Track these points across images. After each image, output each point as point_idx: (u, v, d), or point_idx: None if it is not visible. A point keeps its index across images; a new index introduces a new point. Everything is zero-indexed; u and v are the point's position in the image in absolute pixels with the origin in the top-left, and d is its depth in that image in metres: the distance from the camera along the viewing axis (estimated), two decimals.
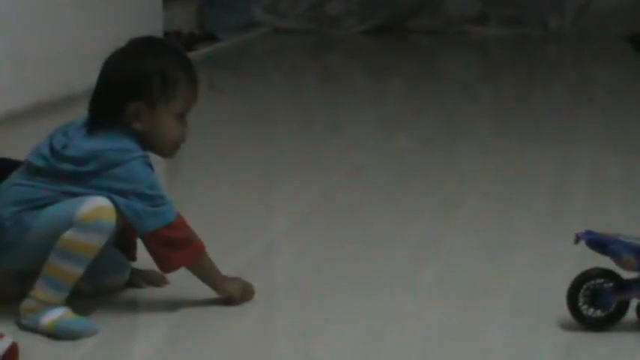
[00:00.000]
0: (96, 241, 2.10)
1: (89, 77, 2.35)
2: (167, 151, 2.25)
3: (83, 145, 2.16)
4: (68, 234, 2.09)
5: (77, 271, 2.12)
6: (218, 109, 4.60)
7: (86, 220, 2.09)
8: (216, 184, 3.29)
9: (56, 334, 2.09)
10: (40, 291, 2.11)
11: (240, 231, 2.79)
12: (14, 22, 4.14)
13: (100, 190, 2.12)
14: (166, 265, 2.18)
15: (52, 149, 2.19)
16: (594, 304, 2.12)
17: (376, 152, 3.81)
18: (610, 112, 4.47)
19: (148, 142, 2.20)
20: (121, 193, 2.12)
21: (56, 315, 2.11)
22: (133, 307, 2.29)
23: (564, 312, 2.14)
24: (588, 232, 2.15)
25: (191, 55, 5.65)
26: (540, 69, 5.64)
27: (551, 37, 6.45)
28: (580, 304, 2.11)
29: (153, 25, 5.20)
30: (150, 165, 2.19)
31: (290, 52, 6.35)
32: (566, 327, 2.13)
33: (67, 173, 2.15)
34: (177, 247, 2.16)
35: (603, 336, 2.11)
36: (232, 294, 2.24)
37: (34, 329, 2.11)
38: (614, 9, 6.36)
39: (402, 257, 2.64)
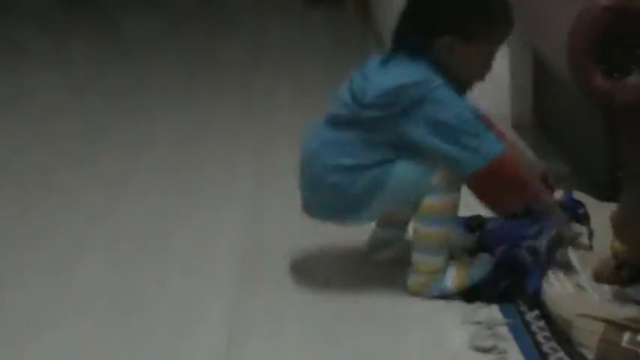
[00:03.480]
0: (452, 201, 2.08)
1: None
2: (466, 85, 2.14)
3: (380, 85, 2.06)
4: (427, 201, 2.06)
5: (447, 230, 2.10)
6: None
7: (438, 185, 2.05)
8: None
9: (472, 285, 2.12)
10: (423, 264, 2.10)
11: None
12: None
13: (413, 131, 2.04)
14: (495, 207, 2.11)
15: (352, 96, 2.09)
16: None
17: (62, 114, 3.82)
18: (283, 60, 4.71)
19: (448, 74, 2.07)
20: (432, 127, 2.03)
21: (453, 272, 2.12)
22: None
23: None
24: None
25: None
26: (220, 22, 5.80)
27: None
28: None
29: None
30: (454, 91, 2.06)
31: None
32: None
33: (373, 119, 2.06)
34: (505, 188, 2.07)
35: None
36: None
37: (444, 296, 2.11)
38: None
39: (81, 213, 2.73)
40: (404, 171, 2.10)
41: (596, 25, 2.42)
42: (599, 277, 2.06)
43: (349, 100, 2.13)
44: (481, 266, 2.16)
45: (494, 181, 2.06)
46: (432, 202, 2.09)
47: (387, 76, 2.09)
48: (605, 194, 2.52)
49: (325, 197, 2.17)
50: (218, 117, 3.74)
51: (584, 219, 2.25)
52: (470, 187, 2.10)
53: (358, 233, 2.40)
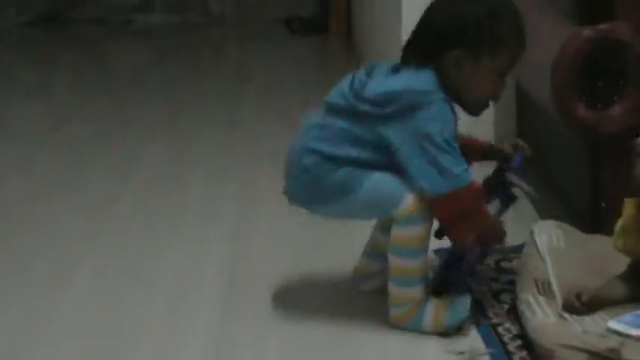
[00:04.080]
0: (422, 232, 2.07)
1: None
2: (473, 106, 2.13)
3: (381, 85, 2.06)
4: (397, 232, 2.06)
5: (420, 261, 2.09)
6: None
7: (407, 215, 2.05)
8: None
9: (449, 329, 2.09)
10: (399, 296, 2.09)
11: None
12: None
13: (396, 134, 2.03)
14: (449, 231, 2.12)
15: (351, 88, 2.09)
16: None
17: (44, 144, 3.81)
18: (267, 89, 4.73)
19: (456, 92, 2.08)
20: (416, 138, 2.02)
21: (431, 311, 2.09)
22: None
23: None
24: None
25: None
26: (205, 53, 5.82)
27: (213, 22, 6.65)
28: None
29: None
30: (453, 110, 2.06)
31: None
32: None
33: (364, 114, 2.06)
34: (463, 217, 2.06)
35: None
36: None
37: (422, 332, 2.09)
38: None
39: (62, 250, 2.70)
40: (377, 183, 2.09)
41: (579, 56, 2.44)
42: (566, 308, 2.06)
43: (347, 90, 2.12)
44: (460, 311, 2.14)
45: (454, 207, 2.06)
46: (402, 233, 2.09)
47: (391, 80, 2.09)
48: (588, 225, 2.53)
49: (298, 180, 2.16)
50: (202, 145, 3.74)
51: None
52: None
53: (344, 261, 2.39)
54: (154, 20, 6.63)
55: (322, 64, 5.56)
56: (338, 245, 2.60)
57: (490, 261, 2.49)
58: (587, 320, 2.03)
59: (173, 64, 5.50)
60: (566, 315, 2.05)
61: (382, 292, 2.23)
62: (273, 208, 2.97)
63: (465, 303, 2.14)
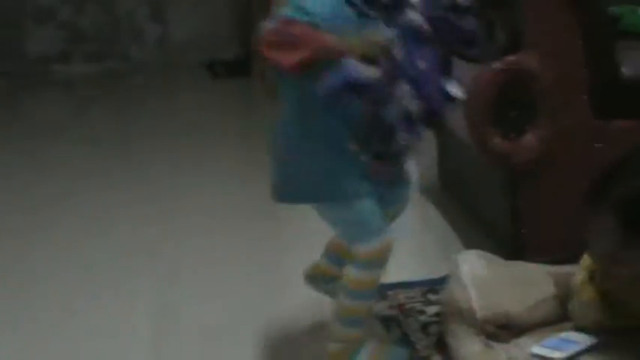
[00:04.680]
0: (375, 277, 2.07)
1: None
2: None
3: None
4: (353, 274, 2.06)
5: (368, 304, 2.09)
6: None
7: (367, 259, 2.05)
8: None
9: None
10: (341, 334, 2.10)
11: None
12: None
13: None
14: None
15: None
16: None
17: None
18: (193, 135, 4.72)
19: None
20: None
21: (368, 355, 2.11)
22: None
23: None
24: None
25: None
26: (128, 100, 5.79)
27: (135, 68, 6.63)
28: None
29: None
30: None
31: None
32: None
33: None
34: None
35: None
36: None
37: None
38: (191, 38, 6.67)
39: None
40: (363, 211, 2.06)
41: (491, 87, 2.49)
42: (486, 335, 2.10)
43: None
44: (395, 358, 2.18)
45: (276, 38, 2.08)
46: (360, 276, 2.08)
47: None
48: (510, 252, 2.57)
49: (283, 167, 2.11)
50: (125, 196, 3.71)
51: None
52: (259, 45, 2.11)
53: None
54: (74, 70, 6.59)
55: (247, 107, 5.57)
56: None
57: (417, 294, 2.52)
58: (513, 347, 2.06)
59: (95, 114, 5.46)
60: (493, 343, 2.07)
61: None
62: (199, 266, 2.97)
63: (401, 354, 2.18)
